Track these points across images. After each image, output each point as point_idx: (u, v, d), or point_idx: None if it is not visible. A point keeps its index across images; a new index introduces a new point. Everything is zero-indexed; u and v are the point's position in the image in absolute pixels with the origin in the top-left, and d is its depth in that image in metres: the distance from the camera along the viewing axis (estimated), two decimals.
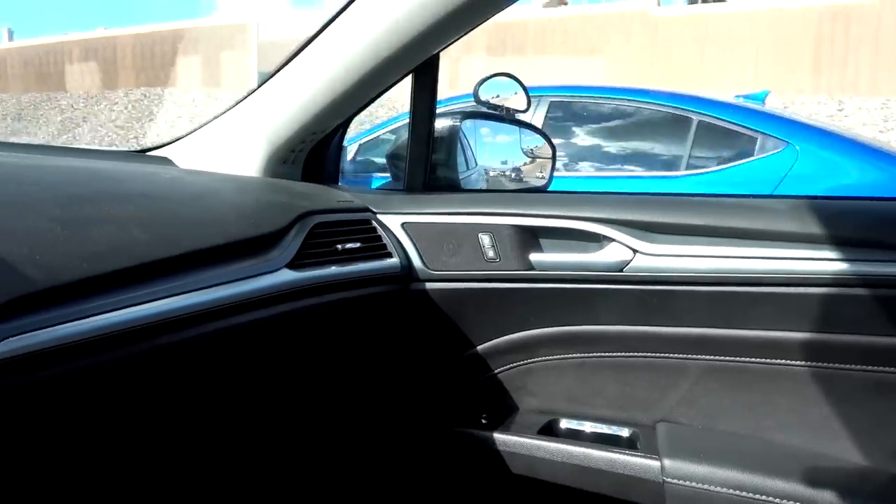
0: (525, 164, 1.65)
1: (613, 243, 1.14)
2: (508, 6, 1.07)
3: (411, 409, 1.29)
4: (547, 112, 3.88)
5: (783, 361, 1.11)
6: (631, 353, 1.18)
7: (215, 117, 1.27)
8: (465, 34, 1.13)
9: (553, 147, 1.62)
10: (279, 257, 0.96)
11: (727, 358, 1.13)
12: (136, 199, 0.92)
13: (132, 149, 1.32)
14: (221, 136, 1.25)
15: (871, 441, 1.08)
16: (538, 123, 3.69)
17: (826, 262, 1.05)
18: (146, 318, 0.74)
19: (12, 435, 0.64)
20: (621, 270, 1.14)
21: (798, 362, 1.10)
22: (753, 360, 1.12)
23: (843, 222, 1.08)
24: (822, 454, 1.10)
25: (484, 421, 1.26)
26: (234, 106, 1.25)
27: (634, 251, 1.13)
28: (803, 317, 1.08)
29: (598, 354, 1.20)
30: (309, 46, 1.15)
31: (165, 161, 1.25)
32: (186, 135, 1.29)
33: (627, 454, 1.12)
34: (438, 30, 1.08)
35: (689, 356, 1.15)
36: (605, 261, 1.15)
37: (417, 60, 1.17)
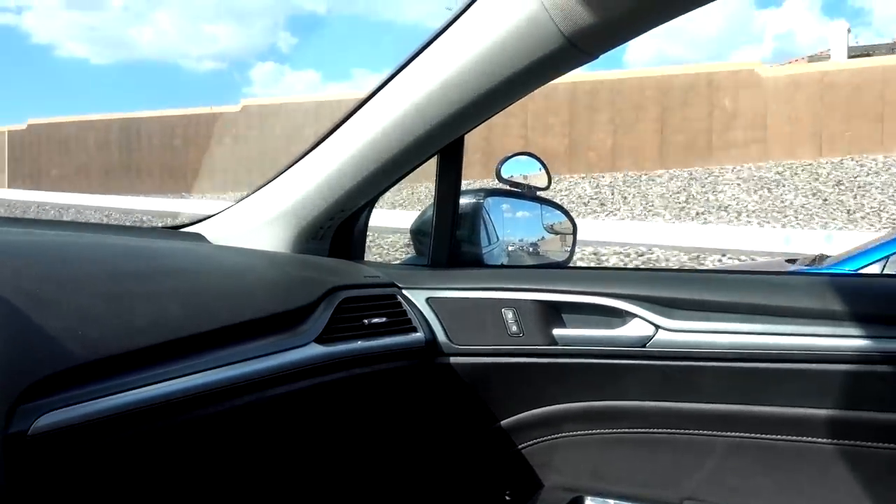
0: (546, 239, 1.68)
1: (636, 319, 1.15)
2: (533, 91, 1.12)
3: (435, 485, 1.28)
4: None
5: (809, 439, 1.09)
6: (656, 430, 1.17)
7: (246, 195, 1.32)
8: (489, 118, 1.18)
9: (574, 223, 1.65)
10: (308, 331, 0.98)
11: (753, 435, 1.12)
12: (172, 275, 0.96)
13: (166, 225, 1.37)
14: (252, 213, 1.29)
15: None
16: None
17: (849, 338, 1.05)
18: (182, 391, 0.76)
19: None
20: (644, 346, 1.14)
21: (824, 440, 1.08)
22: (779, 437, 1.11)
23: (865, 299, 1.09)
24: None
25: (508, 498, 1.24)
26: (265, 184, 1.29)
27: (657, 327, 1.14)
28: (828, 393, 1.07)
29: (623, 431, 1.19)
30: (339, 129, 1.20)
31: (198, 237, 1.29)
32: (219, 212, 1.33)
33: None
34: (463, 114, 1.12)
35: (715, 433, 1.14)
36: (627, 336, 1.16)
37: (443, 143, 1.22)
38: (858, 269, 3.29)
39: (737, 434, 1.13)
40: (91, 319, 0.74)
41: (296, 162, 1.26)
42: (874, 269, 3.26)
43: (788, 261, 3.82)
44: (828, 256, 3.63)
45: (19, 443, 0.60)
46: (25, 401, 0.62)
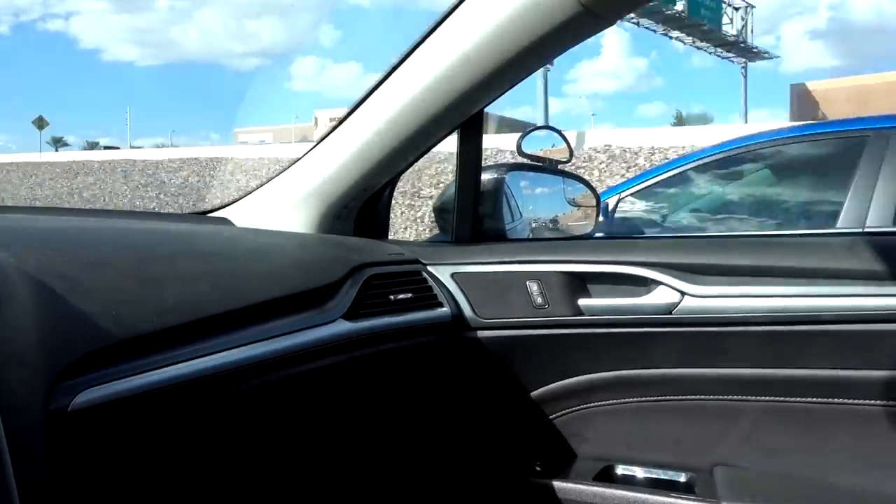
0: (569, 212, 1.68)
1: (661, 286, 1.15)
2: (551, 60, 1.12)
3: (465, 457, 1.29)
4: None
5: (844, 401, 1.09)
6: (686, 396, 1.18)
7: (270, 179, 1.33)
8: (508, 90, 1.18)
9: (597, 195, 1.64)
10: (336, 308, 1.00)
11: (785, 398, 1.12)
12: (201, 256, 0.97)
13: (193, 211, 1.39)
14: (277, 196, 1.30)
15: None
16: None
17: (880, 297, 1.04)
18: (214, 368, 0.78)
19: (85, 481, 0.68)
20: (670, 313, 1.14)
21: (859, 401, 1.08)
22: (813, 399, 1.10)
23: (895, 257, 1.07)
24: (888, 496, 1.07)
25: (538, 468, 1.25)
26: (288, 167, 1.31)
27: (683, 293, 1.14)
28: (862, 354, 1.07)
29: (654, 398, 1.20)
30: (358, 108, 1.21)
31: (225, 221, 1.31)
32: (243, 196, 1.35)
33: (685, 499, 1.11)
34: (481, 88, 1.12)
35: (746, 397, 1.14)
36: (653, 303, 1.15)
37: (462, 117, 1.22)
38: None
39: (768, 398, 1.13)
40: (124, 301, 0.76)
41: (317, 145, 1.27)
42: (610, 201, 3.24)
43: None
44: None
45: (60, 419, 0.62)
46: (65, 378, 0.64)
